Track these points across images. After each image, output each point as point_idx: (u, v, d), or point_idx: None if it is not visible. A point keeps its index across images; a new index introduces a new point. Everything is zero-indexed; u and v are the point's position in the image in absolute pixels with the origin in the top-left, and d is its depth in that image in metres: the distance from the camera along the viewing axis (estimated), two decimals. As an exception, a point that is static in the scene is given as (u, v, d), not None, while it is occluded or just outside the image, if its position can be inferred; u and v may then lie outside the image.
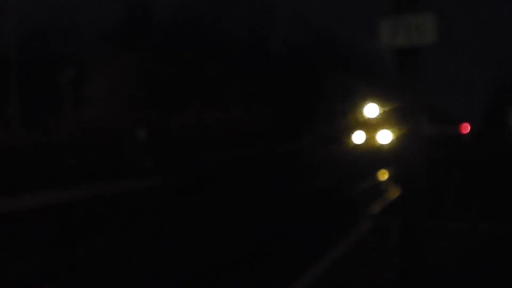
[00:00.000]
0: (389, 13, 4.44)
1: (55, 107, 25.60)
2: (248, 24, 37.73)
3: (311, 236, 8.05)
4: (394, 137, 26.41)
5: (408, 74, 4.44)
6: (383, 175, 17.31)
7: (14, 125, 22.30)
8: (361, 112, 29.93)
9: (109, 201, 12.78)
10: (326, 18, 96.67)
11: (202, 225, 9.19)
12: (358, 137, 29.65)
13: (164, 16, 35.34)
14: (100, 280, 5.89)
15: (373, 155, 26.24)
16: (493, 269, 5.64)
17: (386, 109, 28.57)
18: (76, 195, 13.29)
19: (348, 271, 5.79)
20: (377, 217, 9.26)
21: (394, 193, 11.63)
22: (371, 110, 28.81)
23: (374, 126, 28.72)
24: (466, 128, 76.20)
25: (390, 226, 7.63)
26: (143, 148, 20.65)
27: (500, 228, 7.70)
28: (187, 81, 30.77)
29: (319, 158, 26.88)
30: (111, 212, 11.17)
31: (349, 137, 30.59)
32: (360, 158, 25.12)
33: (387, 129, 27.75)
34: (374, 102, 29.19)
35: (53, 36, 32.84)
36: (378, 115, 28.88)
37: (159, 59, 29.68)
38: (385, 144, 27.41)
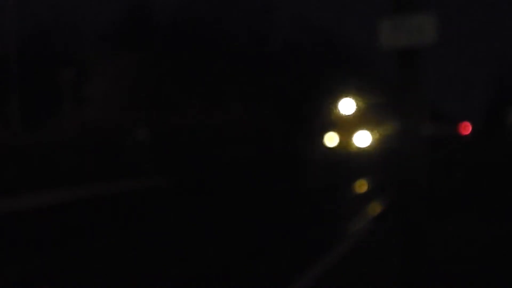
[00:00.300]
0: (389, 13, 4.44)
1: (55, 107, 25.60)
2: (248, 24, 37.73)
3: (311, 236, 8.05)
4: (374, 139, 23.23)
5: (408, 74, 4.45)
6: (361, 187, 14.52)
7: (14, 125, 22.31)
8: (336, 109, 25.60)
9: (109, 201, 12.78)
10: (326, 18, 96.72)
11: (202, 225, 9.19)
12: (330, 139, 24.96)
13: (164, 16, 35.35)
14: (100, 280, 5.89)
15: (368, 155, 24.16)
16: (493, 269, 5.64)
17: (363, 105, 24.74)
18: (76, 195, 13.30)
19: (348, 271, 5.79)
20: (377, 217, 9.26)
21: (374, 207, 10.38)
22: (346, 105, 24.63)
23: (350, 125, 24.32)
24: (466, 127, 76.18)
25: (390, 226, 7.63)
26: (143, 148, 20.65)
27: (500, 228, 7.70)
28: (187, 81, 30.77)
29: (317, 157, 26.79)
30: (111, 212, 11.18)
31: (322, 138, 26.15)
32: (355, 158, 24.05)
33: (364, 129, 23.90)
34: (351, 97, 25.33)
35: (53, 36, 32.86)
36: (354, 112, 24.73)
37: (159, 59, 29.68)
38: (363, 147, 23.59)
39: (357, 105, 24.39)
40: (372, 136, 23.19)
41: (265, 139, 29.95)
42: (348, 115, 24.53)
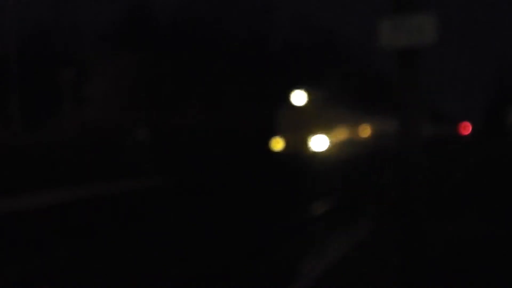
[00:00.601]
0: (389, 13, 4.44)
1: (55, 107, 25.61)
2: (248, 24, 37.73)
3: (311, 236, 8.05)
4: (333, 143, 19.80)
5: (408, 74, 4.45)
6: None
7: (14, 125, 22.32)
8: (289, 101, 21.69)
9: (109, 201, 12.78)
10: (326, 18, 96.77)
11: (202, 225, 9.19)
12: (276, 142, 20.67)
13: (164, 16, 35.35)
14: (100, 280, 5.89)
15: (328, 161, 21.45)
16: (493, 269, 5.64)
17: (316, 96, 21.01)
18: (76, 195, 13.30)
19: (348, 271, 5.79)
20: (377, 218, 9.26)
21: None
22: (299, 97, 20.68)
23: (302, 122, 20.24)
24: (466, 127, 76.24)
25: (390, 226, 7.63)
26: (143, 148, 20.65)
27: (500, 228, 7.70)
28: (187, 81, 30.77)
29: (315, 157, 26.64)
30: (111, 212, 11.17)
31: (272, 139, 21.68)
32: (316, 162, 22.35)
33: (317, 124, 19.99)
34: (305, 89, 21.50)
35: (53, 36, 32.87)
36: (306, 103, 20.74)
37: (159, 59, 29.68)
38: (320, 151, 19.96)
39: (308, 96, 20.23)
40: (330, 139, 19.61)
41: (264, 140, 29.94)
42: (301, 106, 20.54)
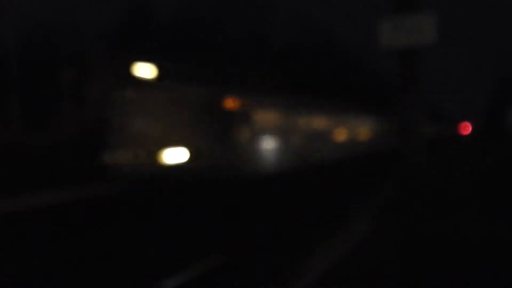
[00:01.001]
0: (389, 13, 4.45)
1: (55, 107, 25.62)
2: (248, 24, 37.75)
3: (310, 236, 8.05)
4: (192, 156, 13.45)
5: (408, 74, 4.45)
6: None
7: (15, 125, 22.33)
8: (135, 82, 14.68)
9: (109, 201, 12.78)
10: (326, 19, 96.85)
11: (202, 225, 9.20)
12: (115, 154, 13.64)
13: (164, 16, 35.37)
14: (100, 280, 5.89)
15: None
16: (493, 270, 5.64)
17: (163, 68, 14.78)
18: (76, 195, 13.30)
19: (348, 271, 5.79)
20: (377, 217, 9.26)
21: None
22: (143, 70, 13.99)
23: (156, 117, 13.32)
24: (466, 127, 76.26)
25: (390, 225, 7.63)
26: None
27: (500, 227, 7.70)
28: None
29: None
30: (111, 212, 11.18)
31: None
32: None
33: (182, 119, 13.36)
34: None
35: (53, 36, 32.90)
36: (153, 77, 14.07)
37: (159, 59, 29.67)
38: (175, 164, 13.57)
39: (154, 69, 14.27)
40: (188, 151, 13.58)
41: None
42: (147, 79, 14.20)
